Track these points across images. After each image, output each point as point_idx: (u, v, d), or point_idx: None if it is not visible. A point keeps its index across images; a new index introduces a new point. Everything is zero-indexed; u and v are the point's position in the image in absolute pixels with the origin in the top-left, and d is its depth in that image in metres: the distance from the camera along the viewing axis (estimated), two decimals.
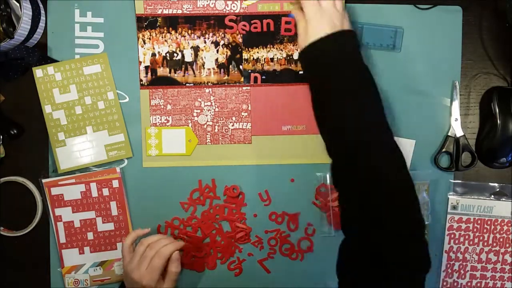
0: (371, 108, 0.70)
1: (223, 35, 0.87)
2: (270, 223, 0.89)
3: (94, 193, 0.87)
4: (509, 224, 0.88)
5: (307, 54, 0.73)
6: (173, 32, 0.87)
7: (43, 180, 0.87)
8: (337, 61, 0.70)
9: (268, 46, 0.87)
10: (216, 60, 0.88)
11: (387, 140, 0.69)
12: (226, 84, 0.88)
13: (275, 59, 0.88)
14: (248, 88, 0.88)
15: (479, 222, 0.88)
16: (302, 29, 0.74)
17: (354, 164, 0.67)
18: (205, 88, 0.88)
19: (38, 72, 0.86)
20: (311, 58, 0.73)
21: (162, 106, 0.88)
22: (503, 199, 0.88)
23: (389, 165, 0.67)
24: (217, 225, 0.89)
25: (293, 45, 0.87)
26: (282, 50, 0.87)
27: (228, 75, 0.88)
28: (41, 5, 0.85)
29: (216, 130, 0.88)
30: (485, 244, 0.88)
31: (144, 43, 0.87)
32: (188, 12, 0.87)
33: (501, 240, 0.88)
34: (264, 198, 0.88)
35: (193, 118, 0.88)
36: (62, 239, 0.87)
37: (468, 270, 0.89)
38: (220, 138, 0.88)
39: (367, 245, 0.64)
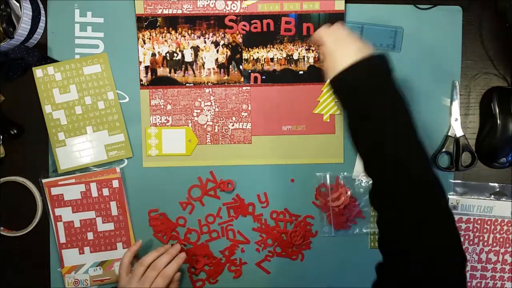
0: (406, 133, 0.67)
1: (223, 35, 0.87)
2: (270, 221, 0.89)
3: (94, 193, 0.87)
4: (509, 224, 0.88)
5: (336, 82, 0.70)
6: (173, 32, 0.87)
7: (43, 180, 0.87)
8: (369, 87, 0.67)
9: (268, 46, 0.87)
10: (216, 60, 0.88)
11: (425, 167, 0.66)
12: (226, 84, 0.88)
13: (275, 59, 0.88)
14: (248, 88, 0.88)
15: (479, 222, 0.88)
16: (329, 61, 0.71)
17: (393, 186, 0.65)
18: (205, 88, 0.88)
19: (38, 72, 0.86)
20: (342, 86, 0.70)
21: (162, 106, 0.88)
22: (503, 199, 0.88)
23: (428, 190, 0.64)
24: (219, 230, 0.89)
25: (293, 45, 0.87)
26: (282, 50, 0.87)
27: (228, 75, 0.88)
28: (41, 5, 0.85)
29: (216, 130, 0.88)
30: (485, 244, 0.88)
31: (144, 43, 0.87)
32: (188, 12, 0.87)
33: (501, 240, 0.88)
34: (262, 200, 0.88)
35: (193, 118, 0.88)
36: (62, 239, 0.87)
37: (468, 270, 0.89)
38: (220, 138, 0.88)
39: (405, 268, 0.62)
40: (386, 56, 0.70)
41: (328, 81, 0.70)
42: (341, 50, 0.70)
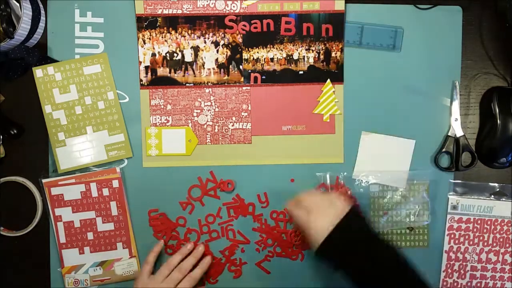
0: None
1: (223, 35, 0.87)
2: (270, 221, 0.89)
3: (94, 193, 0.87)
4: (509, 224, 0.88)
5: (323, 251, 0.71)
6: (173, 32, 0.87)
7: (43, 180, 0.87)
8: (358, 245, 0.70)
9: (268, 46, 0.87)
10: (216, 60, 0.88)
11: None
12: (226, 84, 0.88)
13: (275, 59, 0.88)
14: (248, 88, 0.88)
15: (479, 222, 0.88)
16: (310, 231, 0.73)
17: None
18: (205, 88, 0.88)
19: (38, 72, 0.86)
20: (330, 253, 0.72)
21: (162, 106, 0.88)
22: (503, 199, 0.88)
23: None
24: (219, 230, 0.89)
25: (293, 45, 0.87)
26: (282, 50, 0.87)
27: (228, 75, 0.88)
28: (41, 5, 0.85)
29: (216, 130, 0.88)
30: (485, 244, 0.88)
31: (144, 43, 0.87)
32: (188, 12, 0.87)
33: (501, 240, 0.88)
34: (262, 200, 0.88)
35: (193, 118, 0.88)
36: (62, 239, 0.87)
37: (468, 270, 0.89)
38: (220, 138, 0.88)
39: None
40: (357, 206, 0.76)
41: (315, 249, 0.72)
42: (317, 216, 0.72)
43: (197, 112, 0.88)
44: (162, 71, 0.88)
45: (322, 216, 0.72)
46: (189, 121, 0.88)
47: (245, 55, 0.87)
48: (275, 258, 0.89)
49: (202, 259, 0.86)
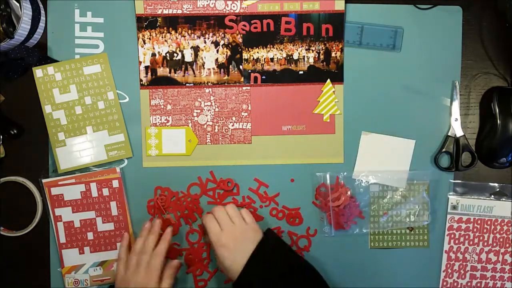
0: None
1: (223, 35, 0.87)
2: (271, 219, 0.89)
3: (94, 193, 0.87)
4: (509, 224, 0.88)
5: (239, 284, 0.76)
6: (173, 32, 0.87)
7: (43, 180, 0.87)
8: (269, 277, 0.75)
9: (268, 46, 0.87)
10: (216, 60, 0.88)
11: None
12: (226, 84, 0.88)
13: (275, 59, 0.88)
14: (248, 88, 0.88)
15: (479, 222, 0.88)
16: (225, 262, 0.77)
17: None
18: (205, 88, 0.88)
19: (38, 72, 0.86)
20: (245, 285, 0.76)
21: (162, 106, 0.88)
22: (503, 199, 0.88)
23: None
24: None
25: (293, 45, 0.87)
26: (282, 50, 0.87)
27: (228, 75, 0.88)
28: (41, 5, 0.86)
29: (216, 130, 0.88)
30: (485, 244, 0.88)
31: (144, 43, 0.87)
32: (188, 12, 0.87)
33: (501, 240, 0.88)
34: (263, 197, 0.89)
35: (193, 118, 0.88)
36: (62, 239, 0.87)
37: (468, 270, 0.89)
38: (220, 138, 0.88)
39: None
40: (269, 229, 0.81)
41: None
42: (232, 251, 0.77)
43: (197, 112, 0.88)
44: (162, 71, 0.88)
45: (236, 251, 0.77)
46: (189, 121, 0.88)
47: (245, 55, 0.87)
48: None
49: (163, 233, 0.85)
